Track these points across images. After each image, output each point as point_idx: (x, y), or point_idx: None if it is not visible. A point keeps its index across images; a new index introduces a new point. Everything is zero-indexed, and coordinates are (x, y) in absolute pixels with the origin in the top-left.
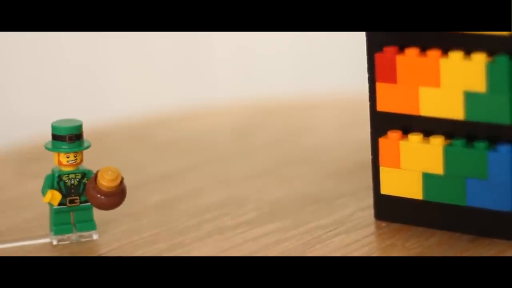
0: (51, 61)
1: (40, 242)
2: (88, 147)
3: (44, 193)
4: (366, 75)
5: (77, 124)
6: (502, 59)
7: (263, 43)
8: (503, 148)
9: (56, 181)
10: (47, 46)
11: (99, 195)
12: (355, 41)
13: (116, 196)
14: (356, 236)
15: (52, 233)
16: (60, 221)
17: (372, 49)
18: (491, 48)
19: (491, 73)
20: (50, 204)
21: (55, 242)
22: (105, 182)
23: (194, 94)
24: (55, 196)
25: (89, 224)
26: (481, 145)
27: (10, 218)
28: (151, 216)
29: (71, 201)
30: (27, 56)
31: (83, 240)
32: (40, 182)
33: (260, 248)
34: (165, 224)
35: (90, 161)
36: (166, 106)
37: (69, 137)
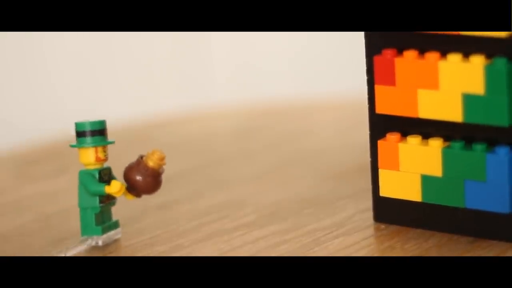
0: (51, 64)
1: (85, 248)
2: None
3: (99, 190)
4: (365, 78)
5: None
6: (500, 61)
7: (263, 46)
8: (501, 150)
9: (97, 177)
10: (48, 49)
11: (138, 177)
12: (354, 44)
13: (154, 179)
14: (355, 238)
15: (99, 233)
16: (100, 221)
17: (371, 52)
18: (489, 50)
19: (489, 75)
20: (86, 206)
21: (100, 243)
22: (155, 157)
23: (194, 97)
24: (123, 187)
25: (115, 223)
26: (479, 147)
27: (10, 221)
28: (151, 219)
29: (108, 198)
30: (27, 58)
31: (116, 237)
32: (39, 185)
33: (259, 250)
34: (164, 226)
35: None
36: (166, 109)
37: (105, 130)
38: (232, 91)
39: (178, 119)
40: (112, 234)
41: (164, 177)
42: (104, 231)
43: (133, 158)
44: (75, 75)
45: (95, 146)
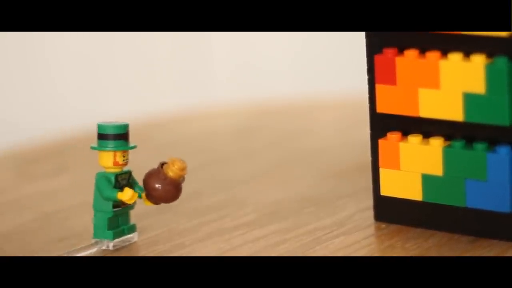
0: (51, 64)
1: (93, 252)
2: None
3: (112, 196)
4: (366, 77)
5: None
6: (501, 60)
7: (263, 45)
8: (502, 150)
9: (113, 182)
10: (49, 48)
11: (157, 185)
12: (355, 43)
13: (175, 187)
14: (355, 237)
15: (110, 238)
16: (114, 225)
17: (372, 51)
18: (490, 49)
19: (490, 74)
20: (99, 209)
21: (111, 247)
22: (176, 167)
23: (194, 96)
24: (135, 195)
25: (132, 227)
26: (480, 146)
27: (10, 220)
28: (151, 218)
29: (124, 203)
30: (27, 58)
31: (128, 243)
32: (39, 184)
33: (259, 249)
34: (165, 225)
35: (90, 163)
36: (167, 108)
37: (127, 134)
38: (232, 91)
39: (178, 118)
40: (126, 238)
41: None
42: (116, 235)
43: (133, 158)
44: (76, 74)
45: (114, 151)
